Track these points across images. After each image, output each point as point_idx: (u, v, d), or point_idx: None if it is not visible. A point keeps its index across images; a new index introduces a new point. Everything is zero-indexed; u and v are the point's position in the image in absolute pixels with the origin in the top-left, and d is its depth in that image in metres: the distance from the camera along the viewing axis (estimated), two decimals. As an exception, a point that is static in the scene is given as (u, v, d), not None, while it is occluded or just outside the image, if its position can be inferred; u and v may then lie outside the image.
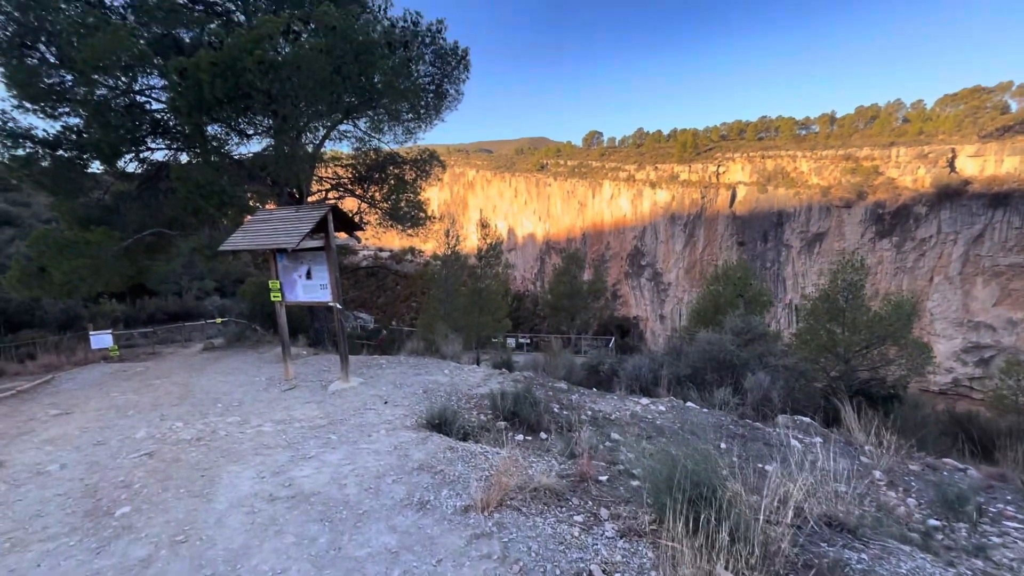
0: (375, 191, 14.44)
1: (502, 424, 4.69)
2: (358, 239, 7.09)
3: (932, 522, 3.86)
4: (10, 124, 9.33)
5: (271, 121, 9.87)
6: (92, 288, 9.07)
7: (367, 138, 13.03)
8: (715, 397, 5.72)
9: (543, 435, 4.52)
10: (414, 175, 14.60)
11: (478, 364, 10.24)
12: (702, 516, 2.27)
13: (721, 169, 63.23)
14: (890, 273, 51.76)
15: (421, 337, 12.37)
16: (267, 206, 11.57)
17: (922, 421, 6.55)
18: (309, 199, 12.72)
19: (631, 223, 68.99)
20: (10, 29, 9.22)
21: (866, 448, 4.84)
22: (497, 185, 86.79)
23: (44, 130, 10.00)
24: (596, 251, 72.05)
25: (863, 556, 2.30)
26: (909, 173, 52.31)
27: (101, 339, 13.95)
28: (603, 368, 8.62)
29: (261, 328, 13.05)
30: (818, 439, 4.85)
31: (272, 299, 7.00)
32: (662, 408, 5.29)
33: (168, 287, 26.61)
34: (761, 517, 2.45)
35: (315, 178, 13.60)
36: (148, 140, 11.48)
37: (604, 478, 3.37)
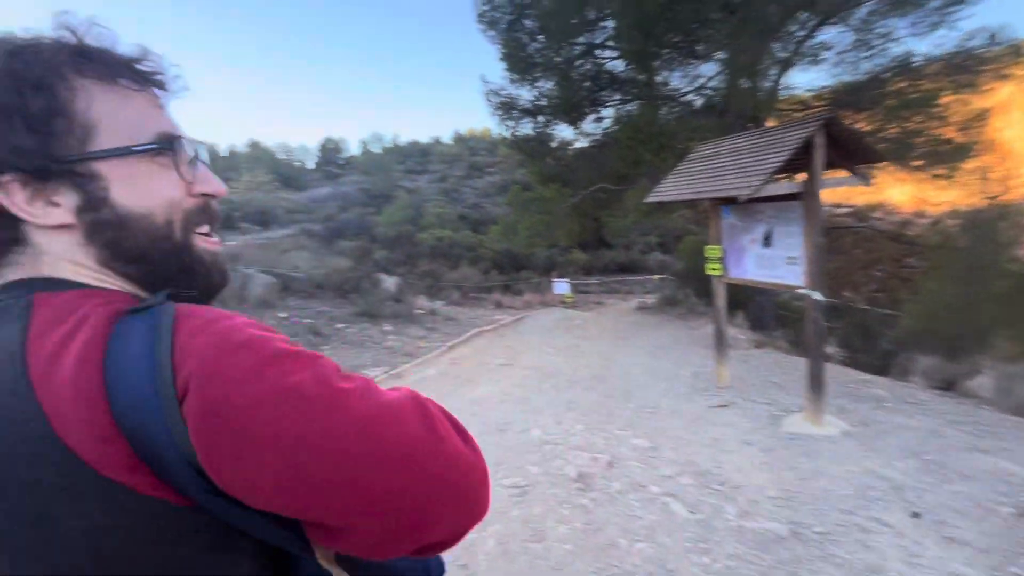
0: (862, 120, 9.96)
1: None
2: (867, 179, 3.99)
3: None
4: (503, 95, 10.82)
5: (724, 30, 7.55)
6: (545, 241, 9.63)
7: (868, 33, 8.75)
8: None
9: None
10: (938, 87, 9.16)
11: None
12: None
13: None
14: None
15: (938, 346, 7.61)
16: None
17: None
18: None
19: None
20: (509, 9, 10.47)
21: None
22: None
23: (527, 100, 11.26)
24: None
25: None
26: None
27: (560, 286, 15.94)
28: None
29: (694, 295, 11.50)
30: None
31: (708, 271, 4.93)
32: None
33: (620, 241, 29.33)
34: None
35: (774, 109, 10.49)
36: (605, 96, 11.40)
37: None
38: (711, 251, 4.81)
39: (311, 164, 51.40)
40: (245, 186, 28.29)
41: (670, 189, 4.52)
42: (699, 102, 9.76)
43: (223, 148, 48.68)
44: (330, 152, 52.73)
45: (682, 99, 9.84)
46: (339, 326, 8.96)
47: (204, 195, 0.56)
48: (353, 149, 53.64)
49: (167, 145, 0.51)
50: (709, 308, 10.64)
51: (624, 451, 3.77)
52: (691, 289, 12.15)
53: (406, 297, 11.28)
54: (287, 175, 39.71)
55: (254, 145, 48.49)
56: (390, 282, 12.31)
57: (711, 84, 9.58)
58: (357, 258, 15.03)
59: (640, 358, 6.83)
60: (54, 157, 0.46)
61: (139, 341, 0.41)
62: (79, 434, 0.39)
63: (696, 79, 9.82)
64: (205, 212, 0.56)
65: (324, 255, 16.40)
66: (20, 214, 0.47)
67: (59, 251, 0.49)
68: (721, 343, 5.14)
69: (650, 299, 15.07)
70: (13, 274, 0.49)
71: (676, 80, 9.68)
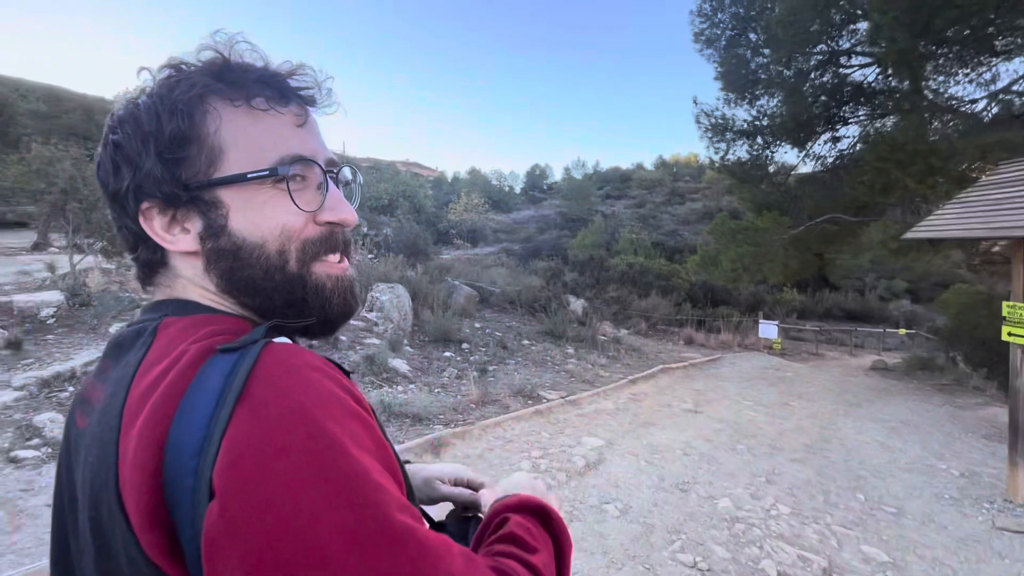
0: None
1: None
2: None
3: None
4: (716, 116, 9.96)
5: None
6: (752, 277, 8.45)
7: None
8: None
9: None
10: None
11: None
12: None
13: None
14: None
15: None
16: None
17: None
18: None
19: None
20: (731, 24, 9.67)
21: None
22: None
23: (743, 120, 10.18)
24: None
25: None
26: None
27: (768, 328, 13.91)
28: None
29: (964, 361, 8.75)
30: None
31: (1007, 336, 3.57)
32: None
33: (850, 283, 24.46)
34: None
35: None
36: (846, 112, 9.65)
37: None
38: (1012, 309, 3.47)
39: (518, 189, 55.84)
40: (463, 207, 32.10)
41: (950, 222, 3.40)
42: (993, 112, 7.50)
43: (450, 175, 56.40)
44: (535, 178, 56.50)
45: (965, 109, 7.68)
46: (524, 342, 9.26)
47: (330, 223, 0.51)
48: (557, 175, 56.55)
49: (282, 172, 0.47)
50: (989, 383, 7.94)
51: (848, 559, 2.89)
52: (959, 353, 9.29)
53: (591, 321, 11.13)
54: (497, 199, 43.83)
55: (473, 172, 54.91)
56: (577, 304, 12.34)
57: (1016, 88, 7.28)
58: (548, 278, 15.52)
59: (876, 434, 5.37)
60: (182, 184, 0.46)
61: (209, 399, 0.36)
62: (131, 496, 0.36)
63: (991, 83, 7.56)
64: (328, 240, 0.51)
65: (519, 273, 17.42)
66: (157, 240, 0.48)
67: (190, 275, 0.49)
68: (1019, 438, 3.66)
69: (891, 358, 12.05)
70: (159, 294, 0.51)
71: (957, 86, 7.60)
